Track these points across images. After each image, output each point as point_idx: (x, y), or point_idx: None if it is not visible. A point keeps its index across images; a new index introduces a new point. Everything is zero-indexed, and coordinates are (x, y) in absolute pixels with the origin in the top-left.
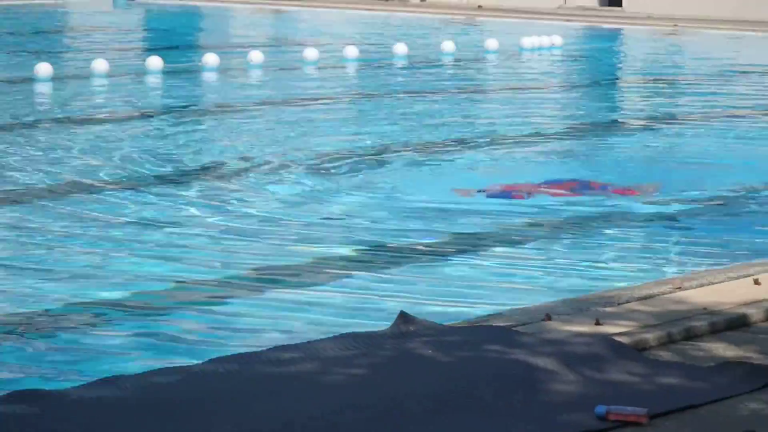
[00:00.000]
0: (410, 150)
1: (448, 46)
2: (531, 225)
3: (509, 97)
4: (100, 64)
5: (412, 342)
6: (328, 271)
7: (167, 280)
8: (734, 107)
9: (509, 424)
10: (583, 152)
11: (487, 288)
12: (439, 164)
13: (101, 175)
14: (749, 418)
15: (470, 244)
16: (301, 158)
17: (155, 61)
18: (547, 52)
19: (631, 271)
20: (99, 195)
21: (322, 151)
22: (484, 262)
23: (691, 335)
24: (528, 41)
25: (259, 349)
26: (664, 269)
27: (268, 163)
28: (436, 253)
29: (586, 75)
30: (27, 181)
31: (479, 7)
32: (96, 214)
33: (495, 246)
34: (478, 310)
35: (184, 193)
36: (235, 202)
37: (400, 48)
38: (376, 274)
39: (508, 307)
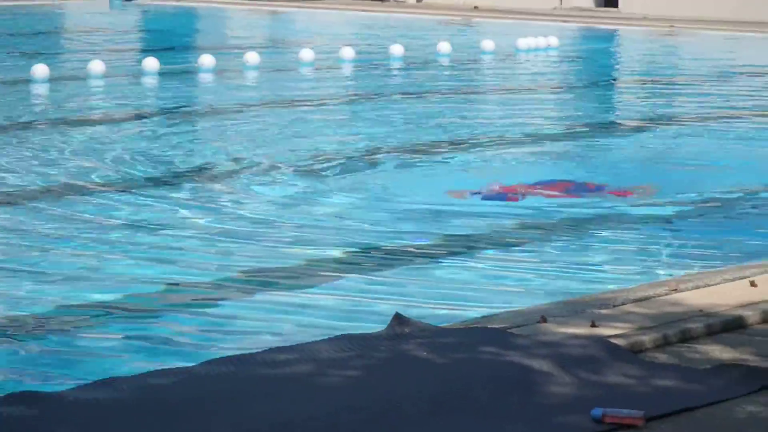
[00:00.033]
0: (405, 151)
1: (444, 47)
2: (526, 227)
3: (505, 98)
4: (96, 66)
5: (407, 344)
6: (321, 273)
7: (160, 282)
8: (730, 108)
9: (505, 426)
10: (578, 153)
11: (481, 290)
12: (434, 165)
13: (94, 177)
14: (746, 421)
15: (464, 246)
16: (295, 160)
17: (151, 63)
18: (543, 53)
19: (627, 273)
20: (92, 197)
21: (317, 153)
22: (479, 265)
23: (687, 337)
24: (524, 42)
25: (254, 351)
26: (660, 271)
27: (262, 164)
28: (430, 255)
29: (582, 76)
30: (20, 183)
31: (475, 8)
32: (89, 216)
33: (489, 248)
34: (472, 312)
35: (178, 195)
36: (229, 204)
37: (397, 49)
38: (369, 277)
39: (503, 310)
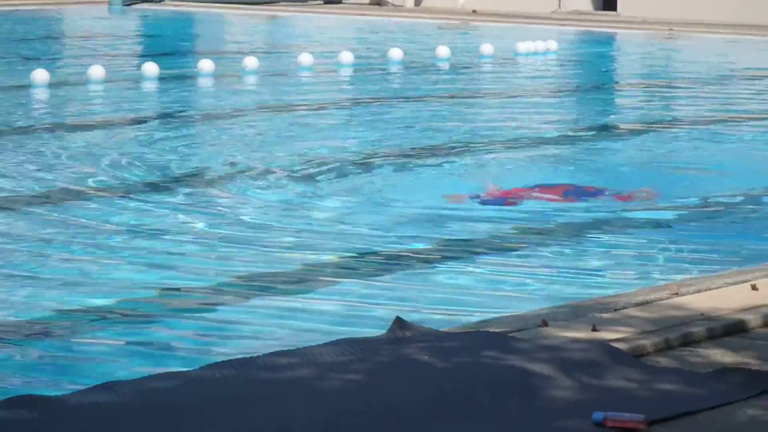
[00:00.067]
0: (404, 155)
1: (443, 51)
2: (525, 231)
3: (504, 101)
4: (96, 71)
5: (408, 347)
6: (319, 278)
7: (158, 287)
8: (731, 111)
9: (506, 429)
10: (578, 157)
11: (480, 295)
12: (432, 169)
13: (92, 182)
14: (747, 425)
15: (462, 250)
16: (294, 164)
17: (151, 68)
18: (542, 57)
19: (627, 277)
20: (91, 202)
21: (316, 157)
22: (477, 269)
23: (688, 341)
24: (523, 46)
25: (254, 355)
26: (661, 275)
27: (260, 169)
28: (429, 260)
29: (581, 79)
30: (17, 188)
31: (474, 12)
32: (87, 221)
33: (488, 252)
34: (472, 317)
35: (177, 200)
36: (228, 208)
37: (396, 53)
38: (368, 281)
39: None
